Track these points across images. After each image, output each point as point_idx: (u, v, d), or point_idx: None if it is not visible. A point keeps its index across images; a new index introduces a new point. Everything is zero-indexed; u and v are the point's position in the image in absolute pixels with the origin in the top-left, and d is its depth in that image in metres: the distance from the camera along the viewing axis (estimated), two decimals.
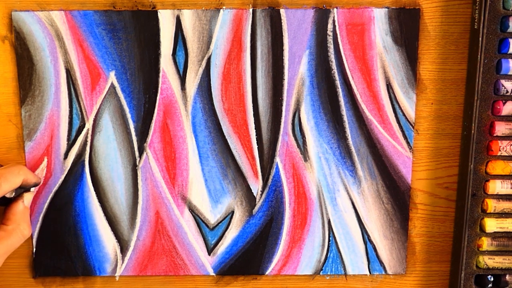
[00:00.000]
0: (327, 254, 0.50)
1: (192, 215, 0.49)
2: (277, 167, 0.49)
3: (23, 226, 0.45)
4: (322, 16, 0.46)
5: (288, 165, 0.49)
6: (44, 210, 0.49)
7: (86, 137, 0.48)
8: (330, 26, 0.46)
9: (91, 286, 0.51)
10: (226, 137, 0.48)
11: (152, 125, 0.48)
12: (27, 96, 0.47)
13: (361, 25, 0.46)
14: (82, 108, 0.47)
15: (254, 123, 0.48)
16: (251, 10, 0.46)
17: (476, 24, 0.45)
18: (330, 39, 0.47)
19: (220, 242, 0.50)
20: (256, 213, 0.50)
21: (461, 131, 0.48)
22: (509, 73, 0.46)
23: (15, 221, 0.45)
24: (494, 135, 0.47)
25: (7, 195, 0.44)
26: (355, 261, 0.51)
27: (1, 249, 0.44)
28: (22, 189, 0.46)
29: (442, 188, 0.50)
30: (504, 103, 0.46)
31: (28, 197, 0.46)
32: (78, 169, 0.48)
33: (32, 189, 0.47)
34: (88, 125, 0.48)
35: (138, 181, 0.49)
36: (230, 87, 0.47)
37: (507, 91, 0.46)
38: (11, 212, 0.45)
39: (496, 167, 0.47)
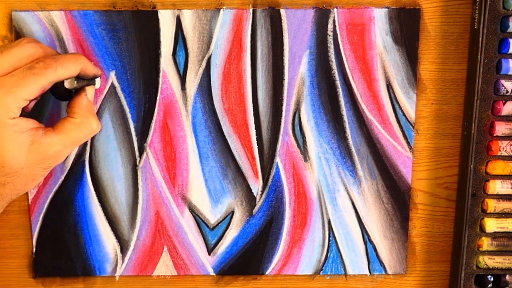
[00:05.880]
0: (327, 254, 0.50)
1: (192, 215, 0.49)
2: (277, 167, 0.49)
3: (91, 119, 0.42)
4: (322, 16, 0.46)
5: (288, 165, 0.49)
6: (44, 210, 0.49)
7: None
8: (330, 26, 0.46)
9: (91, 286, 0.51)
10: (226, 137, 0.48)
11: (152, 125, 0.48)
12: None
13: (361, 25, 0.46)
14: None
15: (254, 123, 0.48)
16: (251, 10, 0.46)
17: (476, 24, 0.45)
18: (330, 39, 0.47)
19: (220, 242, 0.50)
20: (256, 213, 0.50)
21: (461, 131, 0.48)
22: (509, 73, 0.46)
23: (82, 115, 0.42)
24: (494, 135, 0.47)
25: (68, 86, 0.42)
26: (355, 261, 0.51)
27: (68, 139, 0.41)
28: (83, 82, 0.43)
29: (442, 188, 0.50)
30: (504, 103, 0.46)
31: (90, 91, 0.43)
32: (78, 169, 0.48)
33: (96, 83, 0.44)
34: None
35: (138, 181, 0.49)
36: (230, 87, 0.47)
37: (507, 91, 0.46)
38: (75, 105, 0.42)
39: (496, 167, 0.47)
